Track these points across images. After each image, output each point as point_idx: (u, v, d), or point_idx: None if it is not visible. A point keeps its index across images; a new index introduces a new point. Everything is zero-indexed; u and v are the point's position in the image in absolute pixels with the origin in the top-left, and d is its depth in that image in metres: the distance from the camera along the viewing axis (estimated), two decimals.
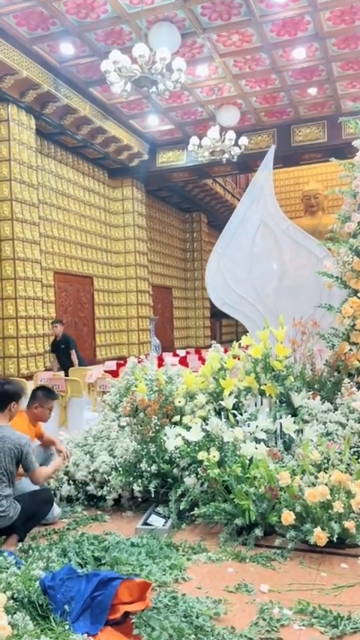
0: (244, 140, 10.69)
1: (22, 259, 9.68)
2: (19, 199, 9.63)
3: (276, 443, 3.99)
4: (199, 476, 3.69)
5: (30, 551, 3.21)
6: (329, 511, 3.15)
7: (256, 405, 4.28)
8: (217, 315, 18.64)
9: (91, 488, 4.18)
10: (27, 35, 8.73)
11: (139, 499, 4.09)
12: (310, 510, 3.21)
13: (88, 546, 3.18)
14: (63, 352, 9.31)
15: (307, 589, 2.81)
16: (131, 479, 3.96)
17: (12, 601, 2.48)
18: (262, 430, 3.90)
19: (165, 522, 3.66)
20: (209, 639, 2.34)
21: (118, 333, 14.15)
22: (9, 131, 9.51)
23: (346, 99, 11.42)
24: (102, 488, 4.13)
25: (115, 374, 7.38)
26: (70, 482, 4.26)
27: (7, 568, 2.74)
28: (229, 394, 4.17)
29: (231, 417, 4.07)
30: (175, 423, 4.20)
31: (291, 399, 4.15)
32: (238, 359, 4.53)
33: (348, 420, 3.95)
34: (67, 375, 8.62)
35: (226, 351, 4.95)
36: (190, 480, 3.73)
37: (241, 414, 4.11)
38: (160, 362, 6.58)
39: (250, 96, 11.32)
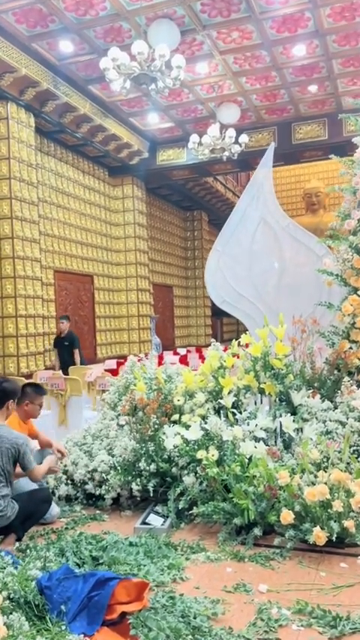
0: (244, 138, 10.64)
1: (22, 258, 9.65)
2: (18, 197, 9.61)
3: (275, 442, 3.98)
4: (198, 475, 3.69)
5: (27, 551, 3.20)
6: (329, 510, 3.13)
7: (255, 403, 4.27)
8: (218, 313, 18.61)
9: (89, 487, 4.17)
10: (26, 33, 8.70)
11: (138, 498, 4.08)
12: (310, 509, 3.19)
13: (86, 546, 3.17)
14: (66, 349, 9.28)
15: (305, 589, 2.79)
16: (130, 478, 3.95)
17: (8, 601, 2.46)
18: (261, 429, 3.88)
19: (164, 521, 3.64)
20: None
21: (119, 331, 14.14)
22: (8, 129, 9.47)
23: (346, 96, 11.37)
24: (101, 487, 4.12)
25: (115, 373, 7.35)
26: (69, 481, 4.26)
27: (4, 568, 2.73)
28: (229, 393, 4.16)
29: (230, 415, 4.05)
30: (174, 422, 4.19)
31: (290, 397, 4.12)
32: (238, 357, 4.51)
33: (348, 419, 3.93)
34: (66, 372, 8.61)
35: (226, 349, 4.93)
36: (189, 479, 3.72)
37: (241, 413, 4.10)
38: (161, 361, 6.56)
39: (251, 93, 11.28)
